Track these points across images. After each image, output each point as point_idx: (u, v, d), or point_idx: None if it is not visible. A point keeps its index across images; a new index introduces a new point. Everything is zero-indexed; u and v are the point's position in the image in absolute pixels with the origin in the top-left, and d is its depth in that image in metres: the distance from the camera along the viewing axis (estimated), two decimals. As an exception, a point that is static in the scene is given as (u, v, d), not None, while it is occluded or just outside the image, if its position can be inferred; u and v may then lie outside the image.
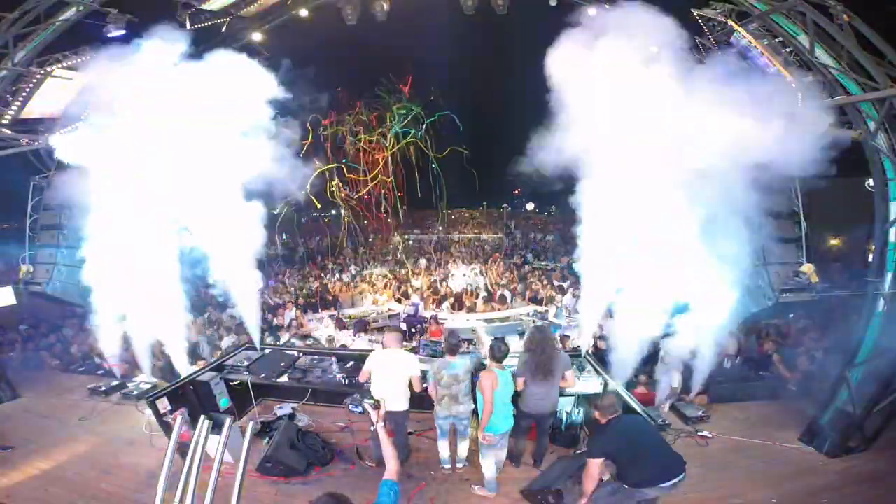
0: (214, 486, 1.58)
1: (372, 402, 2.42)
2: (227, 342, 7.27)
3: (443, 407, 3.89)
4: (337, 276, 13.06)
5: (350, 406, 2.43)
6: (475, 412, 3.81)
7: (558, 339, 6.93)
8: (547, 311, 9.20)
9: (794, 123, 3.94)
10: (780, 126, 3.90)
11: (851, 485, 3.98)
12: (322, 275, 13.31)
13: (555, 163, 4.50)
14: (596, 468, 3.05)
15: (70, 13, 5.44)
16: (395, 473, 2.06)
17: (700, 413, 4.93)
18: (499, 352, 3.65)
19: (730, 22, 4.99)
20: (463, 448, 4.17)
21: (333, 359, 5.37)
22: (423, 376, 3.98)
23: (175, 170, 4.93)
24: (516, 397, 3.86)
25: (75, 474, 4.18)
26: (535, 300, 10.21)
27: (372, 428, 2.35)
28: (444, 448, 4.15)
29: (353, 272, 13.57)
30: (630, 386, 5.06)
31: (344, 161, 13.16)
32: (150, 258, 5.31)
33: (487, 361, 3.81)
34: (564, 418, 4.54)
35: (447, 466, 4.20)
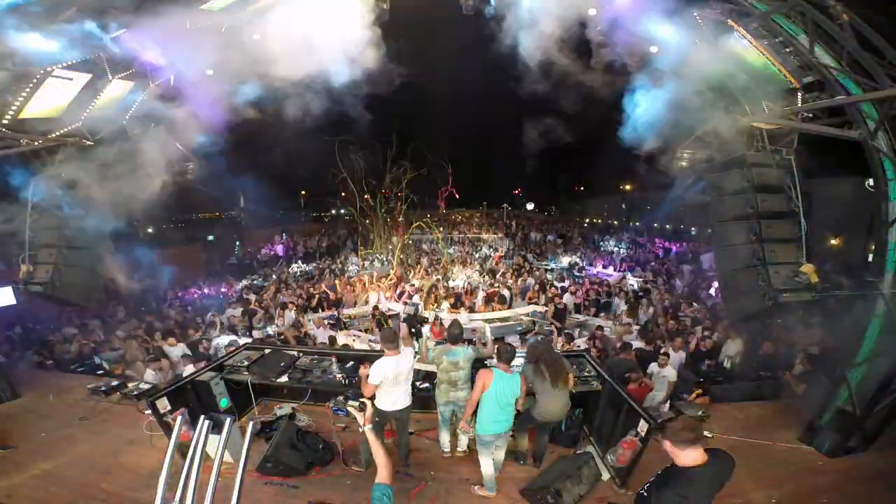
0: (214, 486, 1.57)
1: (357, 404, 2.31)
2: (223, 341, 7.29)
3: (442, 392, 4.03)
4: (336, 275, 13.05)
5: (333, 409, 2.27)
6: None
7: (564, 339, 6.97)
8: (547, 310, 9.20)
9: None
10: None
11: (851, 485, 3.98)
12: (322, 275, 13.30)
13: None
14: None
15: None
16: (388, 477, 1.98)
17: (700, 413, 4.93)
18: (506, 353, 3.63)
19: (730, 22, 4.97)
20: (464, 438, 4.31)
21: (333, 359, 5.37)
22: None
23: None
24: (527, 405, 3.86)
25: (75, 474, 4.18)
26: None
27: (361, 430, 2.27)
28: (444, 434, 4.34)
29: (353, 271, 13.56)
30: (623, 382, 5.04)
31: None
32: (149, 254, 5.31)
33: (494, 361, 3.82)
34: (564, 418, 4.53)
35: (446, 451, 4.38)
